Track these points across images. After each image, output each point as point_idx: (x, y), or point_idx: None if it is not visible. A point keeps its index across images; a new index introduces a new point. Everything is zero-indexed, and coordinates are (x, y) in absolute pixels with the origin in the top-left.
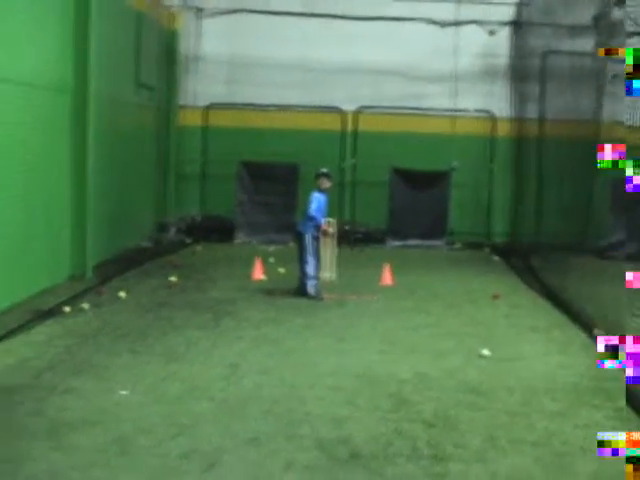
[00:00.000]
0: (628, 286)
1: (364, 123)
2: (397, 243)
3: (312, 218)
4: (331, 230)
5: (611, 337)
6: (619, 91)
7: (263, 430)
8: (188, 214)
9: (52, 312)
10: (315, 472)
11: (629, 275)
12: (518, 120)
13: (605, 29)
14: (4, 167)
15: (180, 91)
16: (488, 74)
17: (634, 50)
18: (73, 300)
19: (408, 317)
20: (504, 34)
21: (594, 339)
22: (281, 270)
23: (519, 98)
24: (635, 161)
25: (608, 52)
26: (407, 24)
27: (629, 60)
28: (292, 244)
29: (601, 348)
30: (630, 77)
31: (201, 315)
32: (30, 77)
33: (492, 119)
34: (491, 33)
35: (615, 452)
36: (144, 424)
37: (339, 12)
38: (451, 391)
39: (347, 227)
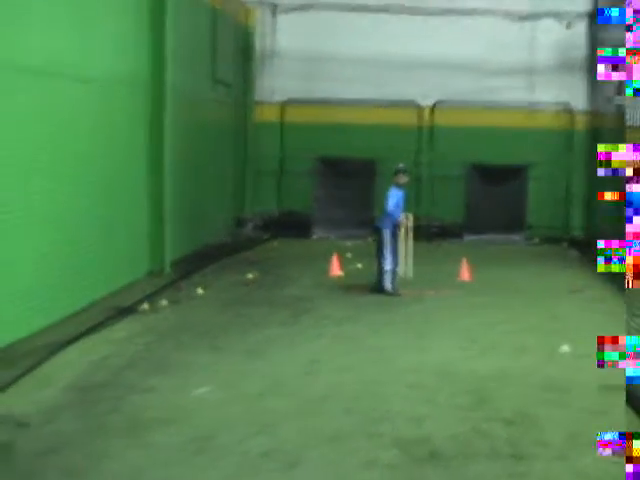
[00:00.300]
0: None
1: (440, 117)
2: (474, 237)
3: (390, 214)
4: (408, 223)
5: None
6: None
7: (343, 428)
8: (265, 210)
9: (131, 309)
10: (395, 471)
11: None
12: (596, 113)
13: None
14: (86, 164)
15: (256, 87)
16: (565, 67)
17: None
18: (152, 297)
19: (487, 313)
20: (582, 26)
21: None
22: (359, 266)
23: (596, 91)
24: None
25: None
26: (482, 17)
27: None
28: (370, 239)
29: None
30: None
31: (280, 312)
32: (108, 73)
33: (570, 112)
34: (568, 26)
35: None
36: (224, 422)
37: (413, 5)
38: (531, 388)
39: (423, 222)
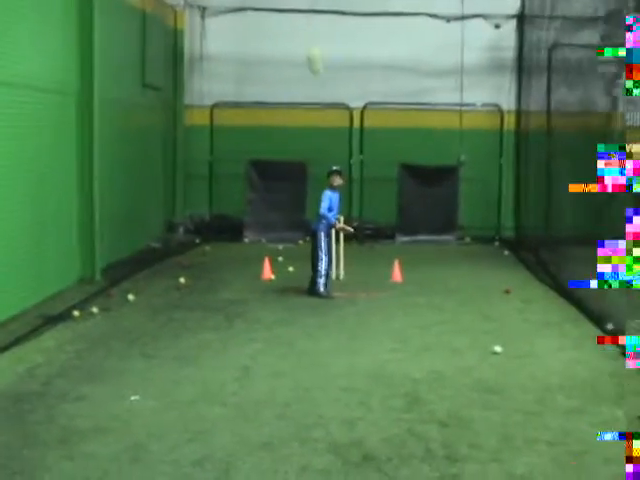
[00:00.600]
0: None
1: (371, 119)
2: (407, 239)
3: (324, 216)
4: (348, 228)
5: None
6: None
7: (276, 434)
8: (197, 214)
9: (62, 317)
10: (330, 476)
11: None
12: (524, 113)
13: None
14: (12, 171)
15: (186, 91)
16: (495, 68)
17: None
18: (82, 304)
19: (420, 314)
20: (510, 27)
21: (607, 334)
22: (290, 269)
23: (525, 91)
24: None
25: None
26: (413, 19)
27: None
28: (301, 242)
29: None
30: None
31: (212, 316)
32: (35, 80)
33: (500, 113)
34: (497, 27)
35: None
36: (157, 430)
37: (344, 8)
38: (465, 390)
39: (356, 223)
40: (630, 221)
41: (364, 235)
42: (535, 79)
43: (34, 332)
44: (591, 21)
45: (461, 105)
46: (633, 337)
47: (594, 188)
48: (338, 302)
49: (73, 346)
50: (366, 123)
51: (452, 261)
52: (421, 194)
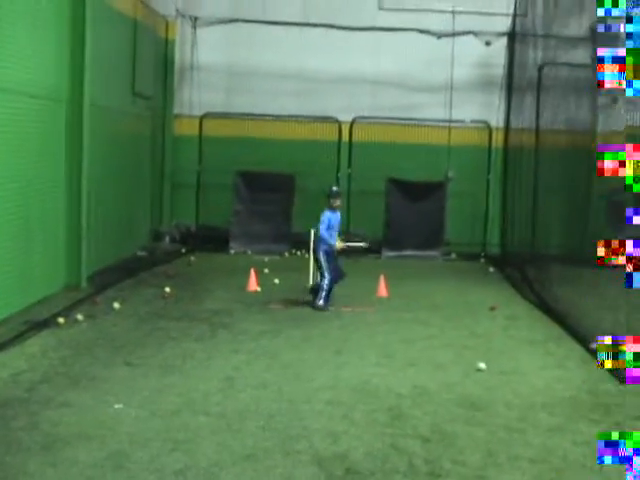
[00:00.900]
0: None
1: (360, 133)
2: (393, 254)
3: (322, 238)
4: (353, 244)
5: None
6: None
7: (260, 446)
8: (183, 224)
9: (46, 323)
10: None
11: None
12: (512, 130)
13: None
14: (1, 177)
15: (176, 100)
16: (484, 85)
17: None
18: (68, 311)
19: (405, 329)
20: (501, 45)
21: (590, 353)
22: (276, 281)
23: (514, 108)
24: None
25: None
26: (404, 34)
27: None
28: (287, 254)
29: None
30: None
31: (197, 327)
32: (25, 86)
33: (488, 130)
34: (487, 44)
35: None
36: (140, 439)
37: (336, 22)
38: (449, 405)
39: (341, 237)
40: (630, 221)
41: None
42: (524, 97)
43: (18, 338)
44: (581, 41)
45: (450, 121)
46: (629, 353)
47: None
48: (323, 315)
49: (57, 353)
50: (355, 137)
51: (438, 277)
52: (408, 209)
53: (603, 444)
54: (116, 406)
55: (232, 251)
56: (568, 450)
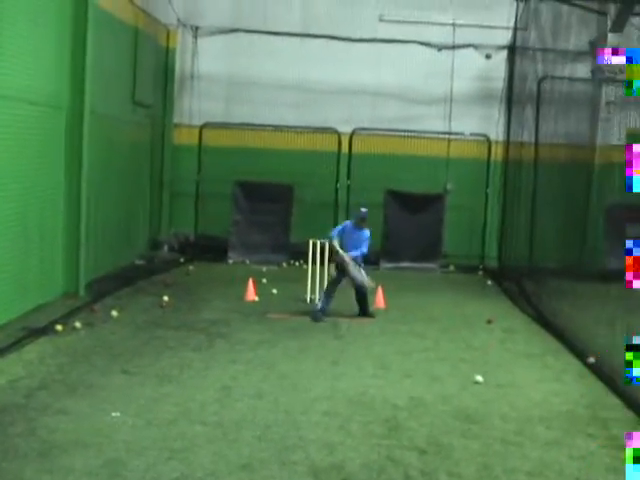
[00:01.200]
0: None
1: (359, 144)
2: (390, 265)
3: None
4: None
5: None
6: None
7: (256, 456)
8: (182, 233)
9: (44, 330)
10: None
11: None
12: (511, 144)
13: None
14: (0, 184)
15: (176, 109)
16: (484, 98)
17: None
18: (66, 318)
19: (402, 341)
20: (501, 58)
21: (588, 367)
22: (274, 291)
23: (514, 122)
24: None
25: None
26: (404, 47)
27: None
28: (285, 265)
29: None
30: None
31: (195, 336)
32: (26, 93)
33: (488, 142)
34: (487, 57)
35: None
36: (136, 447)
37: (337, 33)
38: (445, 417)
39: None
40: (630, 253)
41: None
42: (524, 110)
43: (16, 344)
44: (580, 55)
45: (449, 134)
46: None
47: None
48: (320, 326)
49: (55, 360)
50: (354, 148)
51: (435, 289)
52: (406, 221)
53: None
54: (113, 414)
55: (230, 261)
56: (564, 464)
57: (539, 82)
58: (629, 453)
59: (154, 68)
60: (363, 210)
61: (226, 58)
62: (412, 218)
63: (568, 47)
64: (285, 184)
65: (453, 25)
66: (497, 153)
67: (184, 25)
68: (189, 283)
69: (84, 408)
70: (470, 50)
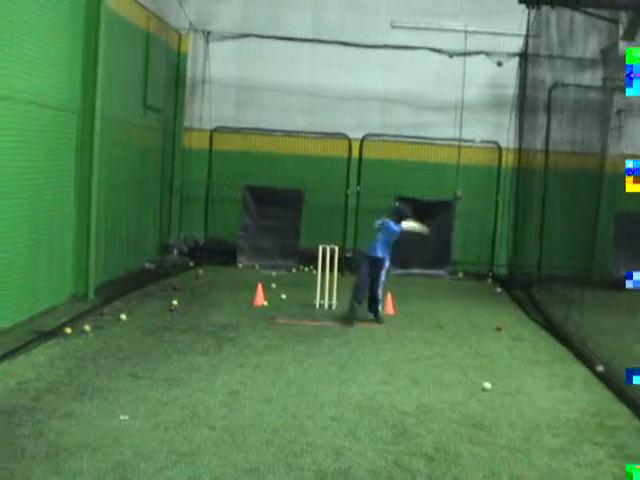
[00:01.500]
0: None
1: (370, 150)
2: (400, 271)
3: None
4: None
5: None
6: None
7: (263, 460)
8: (191, 236)
9: (53, 333)
10: None
11: None
12: (523, 151)
13: (613, 62)
14: (9, 186)
15: (187, 113)
16: (495, 105)
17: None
18: (75, 321)
19: (411, 347)
20: (512, 65)
21: (596, 375)
22: (283, 296)
23: (525, 129)
24: None
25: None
26: (415, 53)
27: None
28: (294, 270)
29: None
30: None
31: (203, 340)
32: (38, 97)
33: (498, 150)
34: (499, 64)
35: None
36: (144, 450)
37: (348, 39)
38: (453, 424)
39: (349, 254)
40: (630, 277)
41: (357, 266)
42: (535, 118)
43: (25, 347)
44: (592, 63)
45: (459, 140)
46: None
47: None
48: (329, 331)
49: (64, 362)
50: (365, 154)
51: (444, 296)
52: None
53: None
54: (121, 417)
55: (240, 265)
56: (572, 472)
57: (550, 89)
58: None
59: (165, 72)
60: (397, 205)
61: (237, 63)
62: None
63: (579, 55)
64: (295, 189)
65: (465, 32)
66: (507, 160)
67: (196, 30)
68: (198, 287)
69: (92, 411)
70: (481, 57)
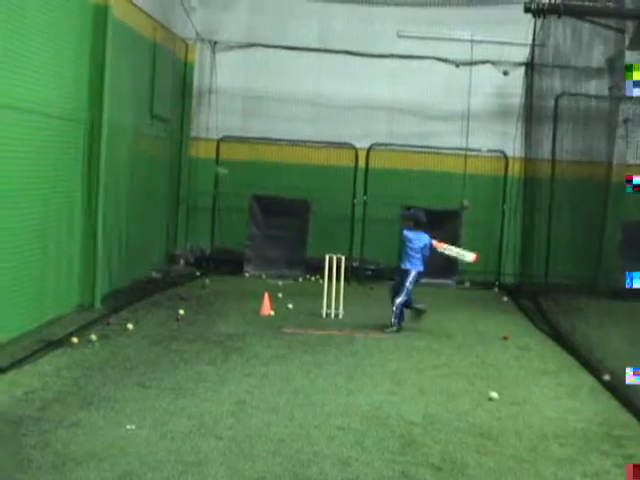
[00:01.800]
0: None
1: (376, 160)
2: None
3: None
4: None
5: None
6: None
7: (270, 470)
8: (198, 246)
9: (60, 342)
10: None
11: None
12: (529, 160)
13: (619, 71)
14: (17, 195)
15: (193, 123)
16: (501, 114)
17: None
18: (81, 331)
19: (418, 356)
20: (518, 74)
21: (603, 384)
22: (290, 306)
23: (531, 139)
24: None
25: None
26: (422, 62)
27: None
28: (301, 279)
29: None
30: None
31: (210, 350)
32: (46, 107)
33: (505, 159)
34: (505, 73)
35: None
36: (151, 460)
37: (354, 49)
38: (460, 434)
39: (356, 264)
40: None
41: (364, 276)
42: (541, 127)
43: (32, 356)
44: (598, 72)
45: (466, 150)
46: None
47: None
48: (335, 341)
49: (70, 372)
50: (371, 164)
51: (451, 305)
52: None
53: None
54: (128, 427)
55: (247, 275)
56: None
57: (556, 99)
58: None
59: (172, 82)
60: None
61: (244, 73)
62: (428, 234)
63: (586, 64)
64: (302, 199)
65: (471, 41)
66: (514, 169)
67: (202, 40)
68: (205, 296)
69: (99, 421)
70: (488, 66)
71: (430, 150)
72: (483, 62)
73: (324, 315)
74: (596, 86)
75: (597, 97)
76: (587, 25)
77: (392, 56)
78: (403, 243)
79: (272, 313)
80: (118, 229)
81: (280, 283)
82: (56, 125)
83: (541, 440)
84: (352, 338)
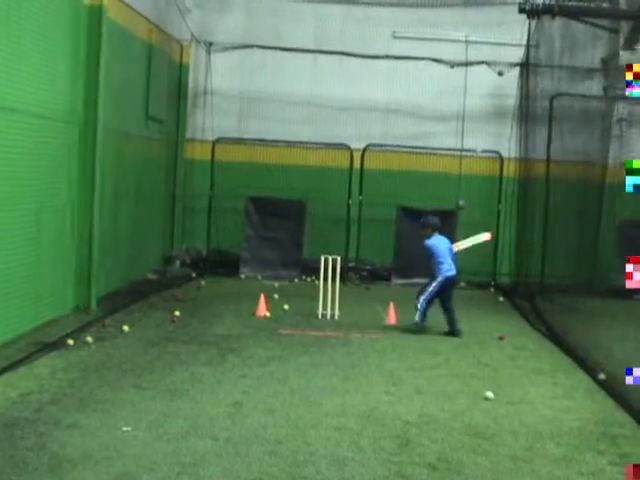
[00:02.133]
0: None
1: (372, 161)
2: (402, 281)
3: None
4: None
5: None
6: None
7: (267, 471)
8: (194, 247)
9: (56, 344)
10: None
11: None
12: (524, 160)
13: (613, 71)
14: (11, 197)
15: (189, 124)
16: (496, 114)
17: None
18: (77, 333)
19: (414, 357)
20: (513, 75)
21: (599, 384)
22: (285, 307)
23: (526, 139)
24: None
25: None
26: (417, 63)
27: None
28: (297, 280)
29: None
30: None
31: (206, 351)
32: (40, 109)
33: (500, 159)
34: (500, 74)
35: None
36: (147, 462)
37: (350, 50)
38: (456, 434)
39: (352, 264)
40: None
41: (360, 276)
42: (536, 127)
43: (28, 358)
44: (593, 72)
45: (461, 150)
46: None
47: None
48: (331, 342)
49: (66, 374)
50: (366, 164)
51: None
52: (418, 237)
53: None
54: (124, 429)
55: (242, 276)
56: None
57: (551, 99)
58: None
59: (167, 84)
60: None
61: (239, 74)
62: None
63: (580, 64)
64: (297, 200)
65: (466, 42)
66: (509, 170)
67: (198, 41)
68: (201, 298)
69: (95, 423)
70: (483, 67)
71: (425, 151)
72: (478, 63)
73: (320, 316)
74: (591, 86)
75: (592, 97)
76: (581, 26)
77: (387, 57)
78: (432, 254)
79: (268, 314)
80: (113, 231)
81: (276, 284)
82: (51, 127)
83: (537, 439)
84: (348, 339)
